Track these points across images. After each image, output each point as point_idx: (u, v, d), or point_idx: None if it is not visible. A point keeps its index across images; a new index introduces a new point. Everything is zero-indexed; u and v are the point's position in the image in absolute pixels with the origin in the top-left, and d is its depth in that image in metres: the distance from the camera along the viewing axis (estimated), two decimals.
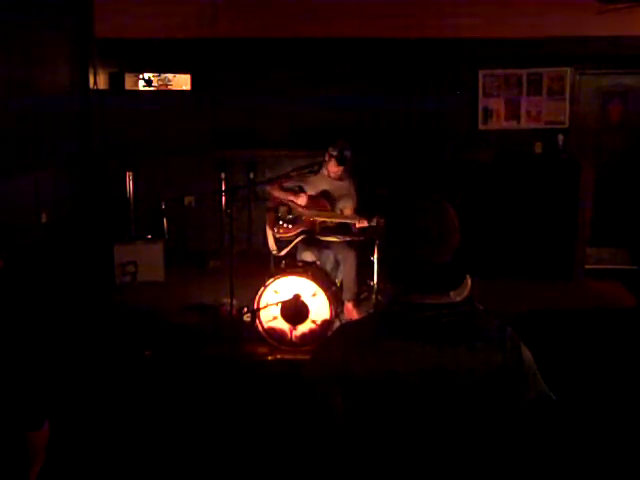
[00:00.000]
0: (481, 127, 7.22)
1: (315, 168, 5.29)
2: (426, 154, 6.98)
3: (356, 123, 6.94)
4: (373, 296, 5.07)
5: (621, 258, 6.93)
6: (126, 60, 7.01)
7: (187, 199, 7.13)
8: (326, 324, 4.67)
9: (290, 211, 5.19)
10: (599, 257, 6.89)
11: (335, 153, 5.05)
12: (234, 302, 4.93)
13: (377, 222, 4.85)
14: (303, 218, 5.15)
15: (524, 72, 7.13)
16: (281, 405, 2.79)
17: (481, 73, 7.15)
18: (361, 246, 5.16)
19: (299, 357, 4.58)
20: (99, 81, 6.93)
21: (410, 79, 7.07)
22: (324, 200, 5.17)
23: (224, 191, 6.93)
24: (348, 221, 5.14)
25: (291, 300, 4.68)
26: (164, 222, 6.96)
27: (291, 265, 4.99)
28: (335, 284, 5.10)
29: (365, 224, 4.93)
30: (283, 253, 5.22)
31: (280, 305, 4.69)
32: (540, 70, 7.11)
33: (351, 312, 5.11)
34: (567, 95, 7.12)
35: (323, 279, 4.85)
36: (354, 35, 6.93)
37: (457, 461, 1.60)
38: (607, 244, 7.03)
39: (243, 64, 7.05)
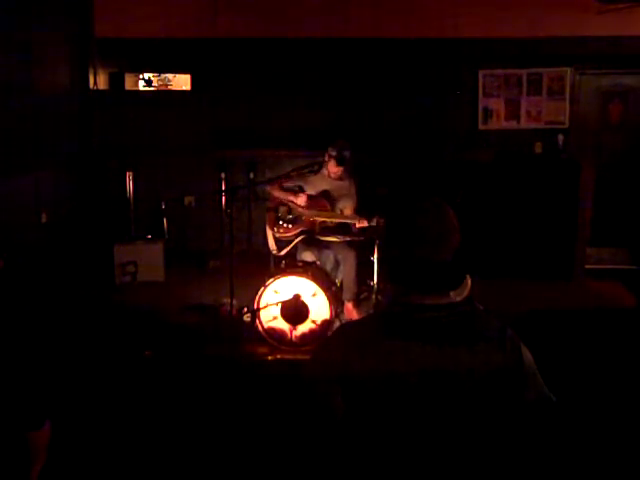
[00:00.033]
0: (481, 127, 7.21)
1: (315, 168, 5.29)
2: (426, 154, 6.98)
3: (356, 123, 6.95)
4: (373, 296, 5.07)
5: (621, 258, 6.93)
6: (126, 60, 7.01)
7: (187, 199, 7.13)
8: (326, 324, 4.66)
9: (290, 211, 5.19)
10: (599, 257, 6.89)
11: (334, 153, 5.06)
12: (234, 302, 4.93)
13: (377, 222, 4.85)
14: (303, 218, 5.15)
15: (524, 72, 7.13)
16: (281, 405, 2.79)
17: (481, 73, 7.14)
18: (361, 246, 5.16)
19: (299, 357, 4.58)
20: (99, 81, 6.93)
21: (410, 79, 7.07)
22: (324, 200, 5.18)
23: (224, 191, 6.94)
24: (348, 221, 5.14)
25: (291, 300, 4.68)
26: (164, 222, 6.96)
27: (291, 265, 4.99)
28: (335, 284, 5.10)
29: (365, 224, 4.93)
30: (283, 253, 5.22)
31: (280, 305, 4.69)
32: (540, 70, 7.11)
33: (351, 312, 5.11)
34: (567, 95, 7.11)
35: (323, 279, 4.85)
36: (354, 35, 6.94)
37: (457, 461, 1.60)
38: (607, 244, 7.03)
39: (243, 64, 7.05)
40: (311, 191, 5.23)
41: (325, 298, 4.66)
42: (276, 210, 5.23)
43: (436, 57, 7.04)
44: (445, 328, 1.58)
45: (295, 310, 4.69)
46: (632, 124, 7.22)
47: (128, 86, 6.91)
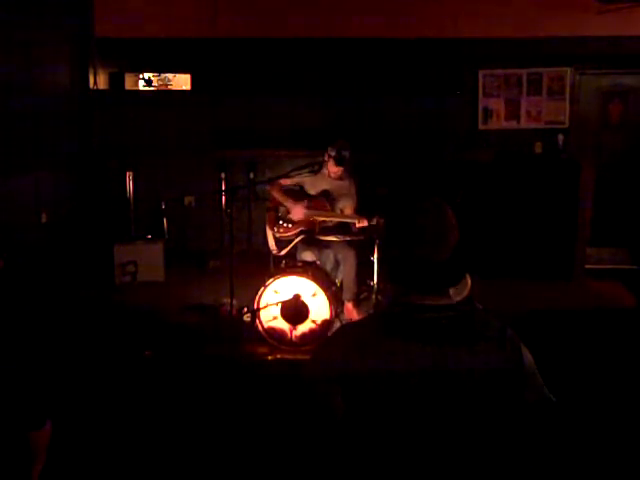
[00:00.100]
0: (481, 127, 7.22)
1: (315, 168, 5.30)
2: (426, 154, 6.98)
3: (356, 123, 6.95)
4: (373, 296, 5.07)
5: (621, 258, 6.93)
6: (126, 60, 7.01)
7: (187, 199, 7.13)
8: (326, 324, 4.66)
9: (290, 211, 5.20)
10: (599, 257, 6.89)
11: (333, 153, 5.06)
12: (234, 302, 4.93)
13: (377, 222, 4.84)
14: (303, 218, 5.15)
15: (524, 72, 7.13)
16: (281, 405, 2.80)
17: (481, 73, 7.15)
18: (361, 246, 5.16)
19: (299, 357, 4.58)
20: (99, 81, 6.93)
21: (410, 79, 7.07)
22: (324, 200, 5.17)
23: (224, 191, 6.94)
24: (348, 221, 5.14)
25: (291, 300, 4.68)
26: (164, 222, 6.96)
27: (291, 265, 4.99)
28: (335, 284, 5.10)
29: (365, 224, 4.93)
30: (283, 253, 5.22)
31: (280, 305, 4.69)
32: (540, 70, 7.11)
33: (351, 312, 5.11)
34: (567, 95, 7.12)
35: (323, 279, 4.85)
36: (354, 35, 6.94)
37: (457, 462, 1.59)
38: (607, 244, 7.03)
39: (243, 64, 7.05)
40: (311, 191, 5.23)
41: (325, 298, 4.66)
42: (276, 210, 5.24)
43: (436, 57, 7.04)
44: (445, 328, 1.58)
45: (295, 310, 4.69)
46: (632, 124, 7.22)
47: (128, 86, 6.91)
